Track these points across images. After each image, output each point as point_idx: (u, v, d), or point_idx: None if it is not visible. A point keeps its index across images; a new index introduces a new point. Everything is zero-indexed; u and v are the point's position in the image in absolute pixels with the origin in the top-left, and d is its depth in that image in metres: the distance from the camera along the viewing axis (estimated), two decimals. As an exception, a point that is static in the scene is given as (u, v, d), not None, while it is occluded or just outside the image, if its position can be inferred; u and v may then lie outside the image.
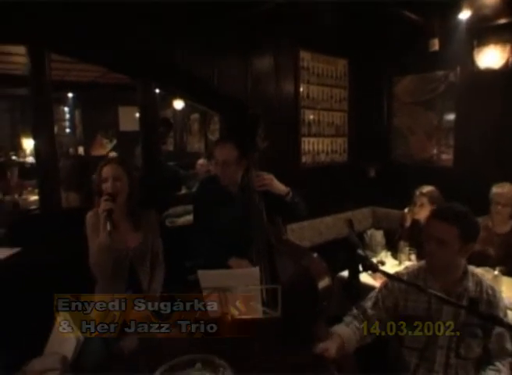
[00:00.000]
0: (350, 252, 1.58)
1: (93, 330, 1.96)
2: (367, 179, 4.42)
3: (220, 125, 3.98)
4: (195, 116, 6.38)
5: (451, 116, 3.84)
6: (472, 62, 3.49)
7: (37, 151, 2.74)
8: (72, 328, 1.49)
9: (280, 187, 2.24)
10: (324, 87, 3.99)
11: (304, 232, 3.78)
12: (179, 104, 6.01)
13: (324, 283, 2.22)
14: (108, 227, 1.95)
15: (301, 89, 3.76)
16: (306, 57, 3.77)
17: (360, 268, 1.59)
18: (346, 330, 1.78)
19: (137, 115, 6.22)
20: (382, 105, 4.34)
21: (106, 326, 1.82)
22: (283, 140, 3.64)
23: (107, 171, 2.10)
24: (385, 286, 1.91)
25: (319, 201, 3.76)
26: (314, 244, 3.78)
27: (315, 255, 2.36)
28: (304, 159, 3.86)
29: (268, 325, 2.04)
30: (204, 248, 2.31)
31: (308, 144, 3.89)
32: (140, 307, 2.09)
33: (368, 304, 1.88)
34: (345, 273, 2.99)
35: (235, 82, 3.24)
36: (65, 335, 1.48)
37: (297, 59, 3.70)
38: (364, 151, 4.39)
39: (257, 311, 1.74)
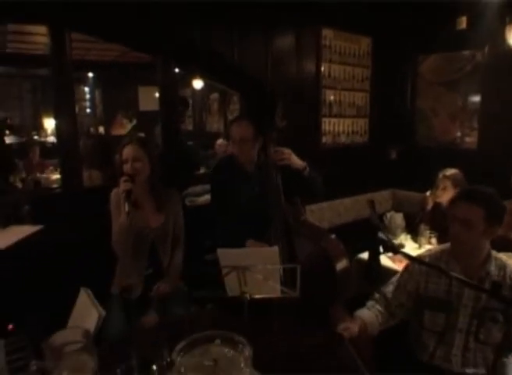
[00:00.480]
0: (370, 233, 1.56)
1: (115, 305, 2.04)
2: (388, 161, 4.35)
3: (240, 105, 3.95)
4: (214, 95, 6.33)
5: (476, 98, 3.73)
6: (502, 40, 3.35)
7: (58, 131, 2.77)
8: (94, 304, 1.52)
9: (298, 162, 2.22)
10: (346, 66, 3.90)
11: (324, 213, 3.77)
12: (198, 83, 5.97)
13: (342, 264, 2.20)
14: (127, 208, 1.98)
15: (323, 68, 3.69)
16: (328, 35, 3.68)
17: (381, 249, 1.58)
18: (369, 314, 1.80)
19: (157, 94, 6.26)
20: (406, 85, 4.24)
21: (127, 303, 1.89)
22: (304, 120, 3.59)
23: (127, 152, 2.12)
24: (405, 270, 1.91)
25: (339, 182, 3.73)
26: (333, 226, 3.77)
27: (333, 236, 2.34)
28: (324, 140, 3.81)
29: (285, 305, 2.06)
30: (222, 228, 2.32)
31: (329, 124, 3.84)
32: (160, 285, 2.16)
33: (390, 288, 1.89)
34: (364, 255, 2.99)
35: (255, 61, 3.19)
36: (87, 310, 1.52)
37: (319, 37, 3.62)
38: (386, 133, 4.30)
39: (275, 290, 1.74)
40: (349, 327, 1.66)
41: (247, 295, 1.73)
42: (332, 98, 3.83)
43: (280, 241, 2.15)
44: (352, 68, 3.96)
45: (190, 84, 6.04)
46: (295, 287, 1.73)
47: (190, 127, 6.55)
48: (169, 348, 1.10)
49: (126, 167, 2.10)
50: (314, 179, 2.27)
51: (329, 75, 3.77)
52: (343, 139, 3.99)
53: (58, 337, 1.06)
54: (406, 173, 4.21)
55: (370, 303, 1.87)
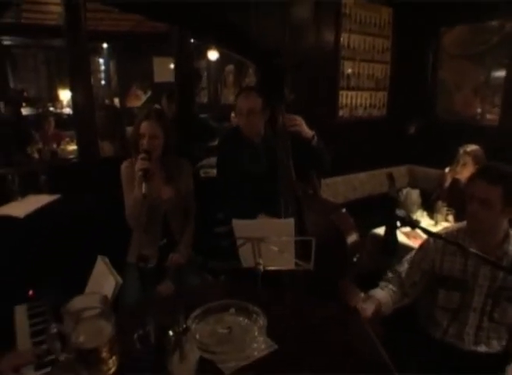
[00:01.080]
0: (388, 208, 1.55)
1: (131, 274, 2.08)
2: (406, 136, 4.26)
3: (256, 77, 3.88)
4: (230, 67, 6.24)
5: (501, 73, 3.57)
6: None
7: (74, 102, 2.76)
8: (111, 271, 1.54)
9: (308, 131, 2.21)
10: (366, 37, 3.78)
11: (338, 187, 3.74)
12: (213, 55, 5.88)
13: (352, 238, 2.20)
14: (144, 190, 1.95)
15: (342, 38, 3.58)
16: (348, 3, 3.55)
17: (398, 224, 1.56)
18: (383, 294, 1.80)
19: (172, 66, 6.20)
20: (428, 57, 4.09)
21: (143, 272, 1.92)
22: (321, 92, 3.51)
23: (145, 128, 2.10)
24: (420, 248, 1.89)
25: (354, 156, 3.68)
26: (348, 200, 3.74)
27: (343, 210, 2.33)
28: (341, 113, 3.74)
29: (296, 277, 2.07)
30: (230, 201, 2.31)
31: (346, 97, 3.75)
32: (173, 256, 2.19)
33: (404, 267, 1.87)
34: (379, 230, 2.98)
35: (272, 30, 3.10)
36: (105, 278, 1.55)
37: (339, 5, 3.49)
38: (405, 107, 4.18)
39: (289, 262, 1.74)
40: (364, 308, 1.66)
41: (261, 267, 1.74)
42: (350, 69, 3.73)
43: (290, 214, 2.14)
44: (372, 38, 3.84)
45: (205, 56, 5.96)
46: (309, 259, 1.73)
47: (204, 100, 6.49)
48: (185, 315, 1.11)
49: (143, 143, 2.09)
50: (322, 150, 2.25)
51: (348, 45, 3.66)
52: (360, 112, 3.90)
53: (77, 303, 1.08)
54: (424, 148, 4.12)
55: (383, 283, 1.86)
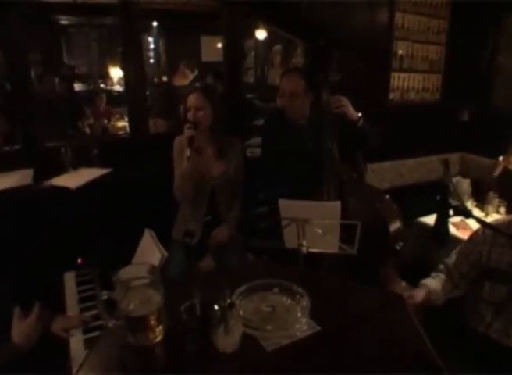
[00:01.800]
0: (441, 195, 1.48)
1: (176, 249, 2.13)
2: (459, 122, 4.06)
3: (304, 57, 3.81)
4: (277, 47, 6.14)
5: None
6: None
7: (126, 80, 2.82)
8: (158, 245, 1.58)
9: (353, 112, 2.16)
10: (421, 17, 3.59)
11: (385, 173, 3.64)
12: (261, 34, 5.80)
13: (395, 225, 2.16)
14: (188, 154, 2.04)
15: (396, 18, 3.42)
16: (404, -19, 3.39)
17: (450, 213, 1.50)
18: (433, 283, 1.78)
19: (219, 45, 6.17)
20: (487, 40, 3.85)
21: (188, 247, 1.95)
22: (371, 74, 3.40)
23: (190, 100, 2.15)
24: (469, 240, 1.84)
25: (403, 142, 3.55)
26: (394, 187, 3.64)
27: (387, 196, 2.28)
28: (391, 96, 3.60)
29: (339, 260, 2.05)
30: (273, 183, 2.30)
31: (398, 79, 3.61)
32: (217, 233, 2.22)
33: (452, 259, 1.84)
34: (425, 219, 2.89)
35: (324, 9, 3.01)
36: (151, 250, 1.59)
37: (394, -17, 3.34)
38: (459, 92, 3.96)
39: (333, 246, 1.73)
40: (412, 295, 1.64)
41: (304, 248, 1.74)
42: (403, 50, 3.57)
43: (333, 197, 2.11)
44: (428, 19, 3.64)
45: (253, 35, 5.89)
46: (353, 243, 1.71)
47: (251, 80, 6.45)
48: (230, 290, 1.13)
49: (189, 115, 2.13)
50: (368, 132, 2.19)
51: (402, 26, 3.49)
52: (412, 96, 3.74)
53: (127, 272, 1.12)
54: (477, 136, 3.91)
55: (434, 273, 1.84)
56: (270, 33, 5.74)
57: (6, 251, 2.07)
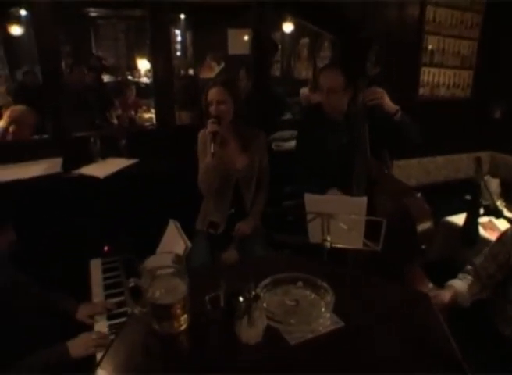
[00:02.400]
0: (471, 194, 1.44)
1: (200, 240, 2.15)
2: (490, 120, 3.93)
3: (331, 51, 3.76)
4: (305, 40, 6.07)
5: None
6: None
7: (154, 71, 2.84)
8: (182, 235, 1.60)
9: (390, 105, 2.08)
10: (454, 11, 3.47)
11: (411, 170, 3.57)
12: (288, 27, 5.75)
13: (425, 225, 2.10)
14: (212, 149, 2.02)
15: (427, 11, 3.32)
16: (436, -26, 3.29)
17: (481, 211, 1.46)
18: (460, 284, 1.75)
19: (246, 37, 6.16)
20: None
21: (211, 238, 1.97)
22: (401, 69, 3.32)
23: (212, 94, 2.13)
24: (498, 240, 1.80)
25: (432, 138, 3.46)
26: (421, 184, 3.57)
27: (419, 194, 2.23)
28: (420, 92, 3.52)
29: (363, 257, 2.03)
30: (303, 177, 2.29)
31: (428, 75, 3.52)
32: (241, 225, 2.23)
33: (480, 259, 1.80)
34: (452, 218, 2.83)
35: (357, 2, 2.96)
36: (175, 241, 1.61)
37: (426, -24, 3.24)
38: (492, 89, 3.83)
39: (357, 242, 1.71)
40: (439, 296, 1.61)
41: (328, 243, 1.72)
42: (434, 45, 3.47)
43: (362, 192, 2.09)
44: (461, 12, 3.52)
45: (279, 28, 5.84)
46: (379, 240, 1.68)
47: (277, 73, 6.41)
48: (255, 283, 1.13)
49: (211, 109, 2.13)
50: (406, 125, 2.11)
51: (434, 20, 3.40)
52: (442, 92, 3.64)
53: (153, 261, 1.13)
54: (509, 135, 3.79)
55: (461, 274, 1.81)
56: (297, 27, 5.68)
57: (34, 238, 2.13)
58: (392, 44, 3.16)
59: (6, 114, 3.71)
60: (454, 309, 1.71)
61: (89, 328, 1.67)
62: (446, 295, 1.64)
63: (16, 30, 4.98)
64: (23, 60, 5.83)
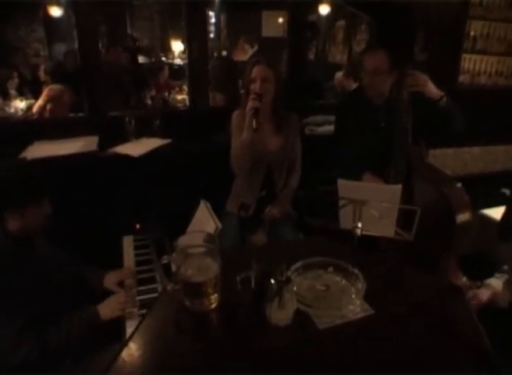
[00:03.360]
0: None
1: (230, 221, 2.17)
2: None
3: (369, 34, 3.65)
4: (341, 23, 5.89)
5: None
6: None
7: (189, 53, 2.84)
8: (212, 216, 1.61)
9: (434, 90, 2.02)
10: (504, -8, 3.32)
11: (447, 160, 3.46)
12: (324, 9, 5.60)
13: (464, 217, 2.05)
14: (254, 125, 2.01)
15: (474, -6, 3.18)
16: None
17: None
18: (498, 283, 1.69)
19: (280, 20, 6.05)
20: None
21: (242, 220, 1.98)
22: (440, 54, 3.19)
23: (256, 71, 2.12)
24: None
25: (470, 129, 3.33)
26: (456, 175, 3.45)
27: (459, 185, 2.17)
28: (460, 79, 3.39)
29: (395, 245, 1.99)
30: (342, 161, 2.26)
31: (469, 62, 3.37)
32: (271, 208, 2.23)
33: None
34: (488, 212, 2.75)
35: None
36: (206, 221, 1.62)
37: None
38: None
39: (389, 230, 1.68)
40: (477, 295, 1.57)
41: (359, 230, 1.70)
42: (477, 30, 3.32)
43: (399, 180, 2.05)
44: (512, -6, 3.35)
45: (315, 9, 5.69)
46: (411, 229, 1.65)
47: (311, 56, 6.28)
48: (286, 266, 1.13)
49: (254, 86, 2.11)
50: (451, 111, 2.05)
51: (481, 3, 3.24)
52: (483, 80, 3.49)
53: (187, 239, 1.15)
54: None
55: (499, 273, 1.75)
56: (333, 8, 5.52)
57: (70, 214, 2.20)
58: (433, 29, 3.04)
59: (44, 93, 3.81)
60: (490, 309, 1.67)
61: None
62: (484, 295, 1.59)
63: (55, 11, 5.09)
64: (61, 41, 5.97)
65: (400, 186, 1.60)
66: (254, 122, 2.02)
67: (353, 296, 1.18)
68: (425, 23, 2.94)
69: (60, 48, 5.76)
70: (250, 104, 2.04)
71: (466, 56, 3.36)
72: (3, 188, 1.46)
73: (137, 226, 2.25)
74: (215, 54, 6.63)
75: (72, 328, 1.48)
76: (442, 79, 3.23)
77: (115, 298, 1.61)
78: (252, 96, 2.06)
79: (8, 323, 1.39)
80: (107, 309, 1.56)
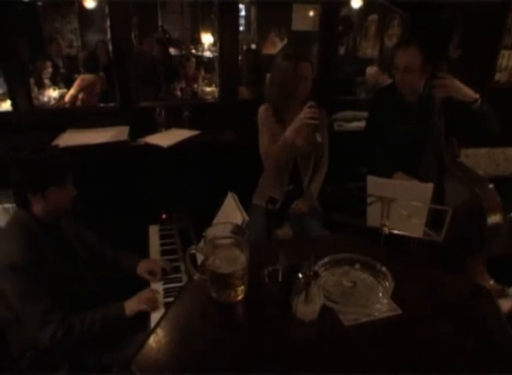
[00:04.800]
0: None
1: (257, 214, 2.17)
2: None
3: (402, 28, 3.57)
4: (373, 17, 5.77)
5: None
6: None
7: (220, 46, 2.85)
8: (240, 208, 1.61)
9: (467, 92, 1.95)
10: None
11: (479, 160, 3.38)
12: (356, 3, 5.49)
13: (495, 218, 2.01)
14: (318, 138, 1.99)
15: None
16: None
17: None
18: None
19: (311, 13, 5.97)
20: None
21: (269, 213, 1.98)
22: (476, 51, 3.10)
23: (303, 70, 2.07)
24: None
25: (506, 128, 3.24)
26: (488, 176, 3.35)
27: (491, 185, 2.12)
28: (497, 77, 3.29)
29: (424, 245, 1.96)
30: (372, 158, 2.23)
31: (508, 58, 3.27)
32: (297, 203, 2.23)
33: None
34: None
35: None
36: (233, 213, 1.63)
37: None
38: None
39: (418, 230, 1.66)
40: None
41: (386, 229, 1.68)
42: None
43: (430, 179, 2.01)
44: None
45: (347, 3, 5.60)
46: (441, 230, 1.62)
47: (341, 51, 6.19)
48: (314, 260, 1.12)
49: (303, 86, 2.09)
50: (486, 115, 1.98)
51: (523, -4, 3.12)
52: (521, 78, 3.39)
53: (216, 230, 1.16)
54: None
55: None
56: (366, 2, 5.41)
57: (100, 202, 2.25)
58: (470, 25, 2.94)
59: (76, 82, 3.90)
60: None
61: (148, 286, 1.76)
62: (505, 305, 1.55)
63: (89, 3, 5.20)
64: (93, 31, 6.09)
65: (431, 185, 1.57)
66: (317, 135, 1.98)
67: (380, 294, 1.17)
68: (462, 18, 2.85)
69: (92, 39, 5.88)
70: (309, 114, 1.97)
71: (505, 53, 3.26)
72: (23, 170, 1.49)
73: (163, 215, 2.29)
74: (245, 47, 6.62)
75: (95, 320, 1.52)
76: (478, 77, 3.16)
77: (141, 294, 1.65)
78: (309, 104, 1.99)
79: (36, 302, 1.44)
80: (132, 304, 1.60)
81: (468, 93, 1.95)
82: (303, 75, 2.06)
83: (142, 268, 1.83)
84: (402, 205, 1.59)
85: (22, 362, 1.54)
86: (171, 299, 1.54)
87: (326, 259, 1.24)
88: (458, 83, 1.94)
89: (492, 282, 2.03)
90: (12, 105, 2.58)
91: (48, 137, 2.41)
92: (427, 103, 2.07)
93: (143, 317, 1.60)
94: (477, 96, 1.95)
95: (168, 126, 2.62)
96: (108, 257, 1.88)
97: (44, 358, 1.54)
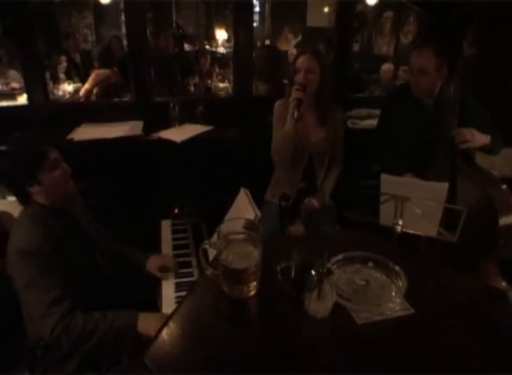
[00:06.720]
0: None
1: (269, 211, 2.18)
2: None
3: (418, 26, 3.53)
4: (388, 14, 5.71)
5: None
6: None
7: (235, 42, 2.85)
8: (252, 204, 1.61)
9: (481, 140, 2.01)
10: None
11: (495, 160, 3.29)
12: (372, -1, 5.44)
13: (508, 219, 1.99)
14: (296, 115, 2.00)
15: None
16: None
17: None
18: None
19: (326, 9, 5.93)
20: None
21: (281, 210, 1.98)
22: (493, 52, 3.05)
23: (301, 62, 2.10)
24: None
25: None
26: (503, 176, 3.30)
27: (504, 186, 2.10)
28: (514, 77, 3.23)
29: (436, 245, 1.94)
30: (383, 156, 2.22)
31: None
32: (310, 200, 2.22)
33: None
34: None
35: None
36: (245, 209, 1.63)
37: None
38: None
39: (431, 230, 1.64)
40: None
41: (399, 228, 1.67)
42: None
43: (442, 179, 1.99)
44: None
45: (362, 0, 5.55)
46: (455, 230, 1.61)
47: (355, 48, 6.14)
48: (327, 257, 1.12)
49: (299, 76, 2.09)
50: (495, 151, 2.12)
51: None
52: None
53: (229, 225, 1.16)
54: None
55: None
56: (382, -2, 5.34)
57: (112, 196, 2.26)
58: (486, 21, 2.89)
59: (91, 77, 3.93)
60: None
61: (158, 282, 1.76)
62: None
63: (105, -1, 5.24)
64: (108, 27, 6.13)
65: (446, 184, 1.56)
66: (296, 112, 2.00)
67: (393, 294, 1.16)
68: (479, 16, 2.80)
69: (106, 34, 5.92)
70: (293, 94, 2.02)
71: (523, 51, 3.18)
72: (8, 168, 1.47)
73: (176, 210, 2.30)
74: (259, 43, 6.60)
75: (100, 326, 1.41)
76: (494, 76, 3.11)
77: (161, 319, 1.31)
78: (295, 87, 2.04)
79: (45, 291, 1.40)
80: (148, 326, 1.42)
81: (483, 140, 2.01)
82: (301, 67, 2.08)
83: (152, 264, 1.80)
84: (416, 204, 1.57)
85: (38, 349, 1.54)
86: (182, 293, 1.55)
87: (339, 257, 1.24)
88: (476, 134, 1.99)
89: (504, 283, 2.01)
90: (28, 99, 2.61)
91: (63, 131, 2.43)
92: (442, 105, 2.04)
93: (153, 309, 1.60)
94: (488, 138, 2.03)
95: (182, 121, 2.64)
96: (118, 250, 1.84)
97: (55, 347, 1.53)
